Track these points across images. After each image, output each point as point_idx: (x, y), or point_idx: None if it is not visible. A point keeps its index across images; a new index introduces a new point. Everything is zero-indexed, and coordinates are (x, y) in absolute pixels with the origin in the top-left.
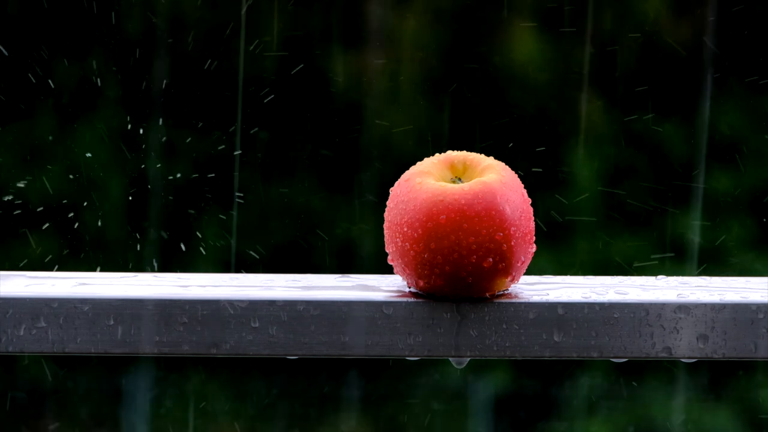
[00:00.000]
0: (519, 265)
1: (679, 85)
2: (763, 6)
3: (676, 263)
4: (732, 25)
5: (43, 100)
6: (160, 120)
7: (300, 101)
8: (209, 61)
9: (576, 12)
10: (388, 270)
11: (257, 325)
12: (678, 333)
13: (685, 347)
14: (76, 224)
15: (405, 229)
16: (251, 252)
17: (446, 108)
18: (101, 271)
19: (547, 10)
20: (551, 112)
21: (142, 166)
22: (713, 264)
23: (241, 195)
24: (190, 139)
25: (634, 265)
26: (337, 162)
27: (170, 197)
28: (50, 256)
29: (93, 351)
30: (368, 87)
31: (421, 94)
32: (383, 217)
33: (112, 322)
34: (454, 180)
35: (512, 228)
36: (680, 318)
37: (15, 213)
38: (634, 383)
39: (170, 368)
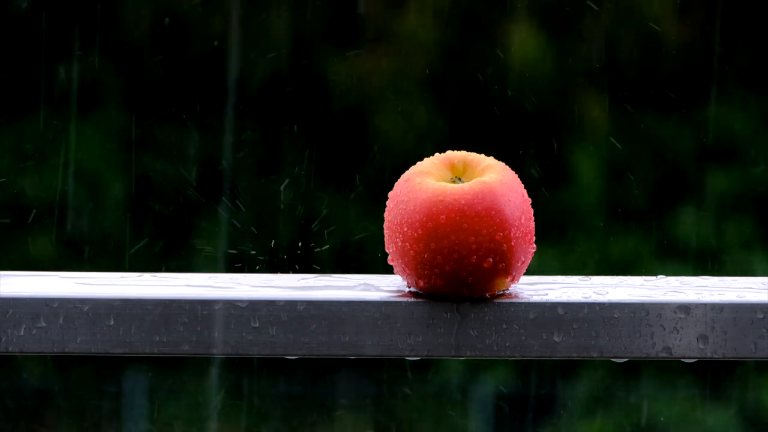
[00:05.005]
0: (519, 265)
1: (680, 83)
2: (765, 5)
3: (676, 263)
4: (734, 23)
5: (44, 100)
6: (161, 120)
7: (300, 101)
8: (210, 61)
9: (577, 10)
10: (388, 270)
11: (257, 325)
12: (678, 333)
13: (685, 347)
14: (76, 224)
15: (405, 229)
16: (251, 252)
17: (446, 107)
18: (101, 271)
19: (548, 9)
20: (552, 111)
21: (143, 165)
22: (713, 264)
23: (242, 195)
24: (190, 139)
25: (634, 265)
26: (337, 162)
27: (170, 197)
28: (50, 256)
29: (93, 351)
30: (368, 86)
31: (421, 93)
32: (383, 217)
33: (112, 322)
34: (454, 180)
35: (512, 228)
36: (680, 318)
37: (15, 213)
38: (634, 383)
39: (169, 368)
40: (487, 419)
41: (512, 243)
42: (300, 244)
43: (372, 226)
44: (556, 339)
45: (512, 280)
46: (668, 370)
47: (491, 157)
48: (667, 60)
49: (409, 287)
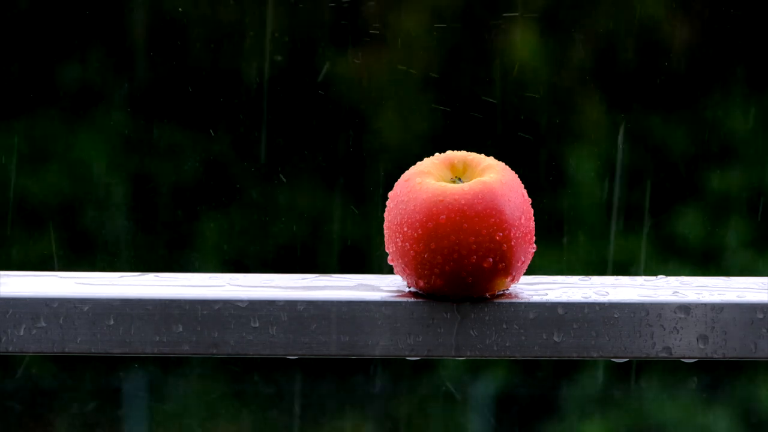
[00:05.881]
0: (519, 265)
1: (679, 84)
2: (764, 4)
3: (676, 263)
4: (733, 23)
5: (46, 100)
6: (162, 121)
7: (300, 101)
8: (211, 61)
9: (576, 11)
10: (388, 270)
11: (257, 325)
12: (678, 333)
13: (685, 347)
14: (77, 224)
15: (405, 229)
16: (252, 252)
17: (446, 107)
18: (101, 271)
19: (548, 9)
20: (552, 111)
21: (143, 166)
22: (713, 264)
23: (241, 195)
24: (190, 139)
25: (634, 265)
26: (337, 162)
27: (171, 197)
28: (50, 256)
29: (93, 351)
30: (368, 86)
31: (421, 93)
32: (383, 217)
33: (112, 322)
34: (454, 180)
35: (512, 228)
36: (680, 318)
37: (15, 213)
38: (634, 383)
39: (169, 368)
40: (487, 419)
41: (512, 243)
42: (300, 244)
43: (372, 226)
44: (556, 339)
45: (512, 280)
46: (668, 370)
47: (491, 157)
48: (666, 60)
49: (409, 287)
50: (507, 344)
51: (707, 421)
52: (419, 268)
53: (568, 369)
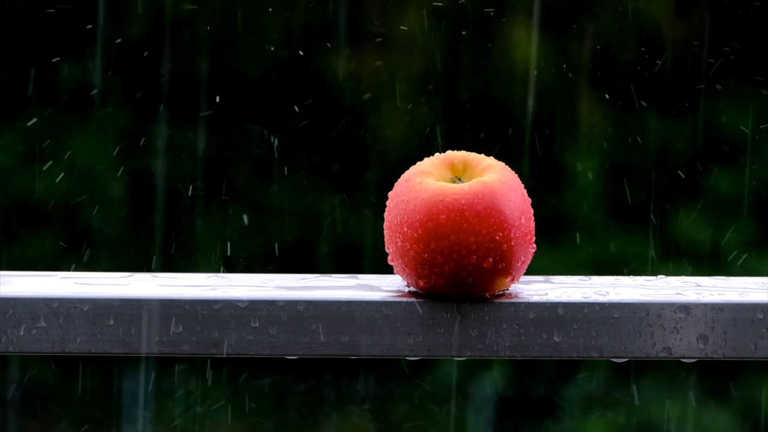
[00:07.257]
0: (519, 265)
1: (679, 83)
2: (764, 4)
3: (676, 263)
4: (733, 22)
5: (44, 99)
6: (161, 119)
7: (300, 101)
8: (210, 59)
9: (576, 10)
10: (388, 270)
11: (257, 325)
12: (678, 333)
13: (685, 347)
14: (77, 224)
15: (405, 229)
16: (251, 252)
17: (446, 107)
18: (101, 271)
19: (547, 9)
20: (551, 111)
21: (143, 165)
22: (713, 264)
23: (241, 194)
24: (190, 138)
25: (634, 265)
26: (336, 162)
27: (170, 197)
28: (50, 256)
29: (93, 351)
30: (368, 86)
31: (420, 93)
32: (383, 217)
33: (112, 322)
34: (454, 180)
35: (512, 228)
36: (680, 318)
37: (15, 213)
38: (634, 383)
39: (169, 368)
40: (486, 419)
41: (512, 243)
42: (300, 244)
43: (372, 226)
44: (556, 339)
45: (512, 280)
46: (668, 370)
47: (491, 157)
48: (666, 59)
49: (409, 287)
50: (507, 344)
51: (707, 421)
52: (419, 268)
53: (568, 369)
